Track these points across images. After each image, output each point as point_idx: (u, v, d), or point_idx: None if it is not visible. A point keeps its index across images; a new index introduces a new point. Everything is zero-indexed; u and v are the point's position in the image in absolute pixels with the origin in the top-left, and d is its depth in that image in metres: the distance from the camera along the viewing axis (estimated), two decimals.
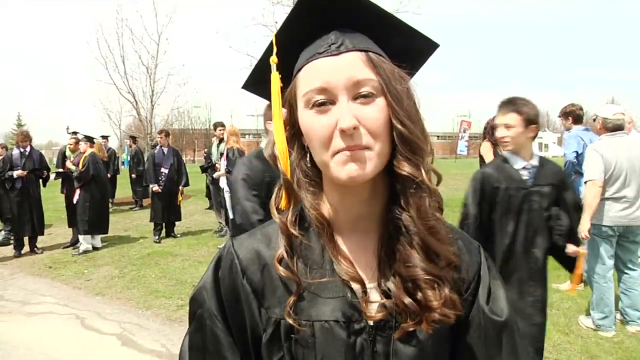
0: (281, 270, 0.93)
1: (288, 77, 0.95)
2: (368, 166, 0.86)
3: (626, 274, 5.00)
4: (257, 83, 1.03)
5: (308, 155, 0.96)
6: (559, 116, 6.75)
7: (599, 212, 4.86)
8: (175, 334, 5.27)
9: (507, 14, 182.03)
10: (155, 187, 10.02)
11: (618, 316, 5.07)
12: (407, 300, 0.89)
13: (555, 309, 5.56)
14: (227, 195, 8.60)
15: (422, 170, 0.89)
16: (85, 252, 9.04)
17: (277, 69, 0.95)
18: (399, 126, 0.86)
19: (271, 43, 0.95)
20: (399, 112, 0.86)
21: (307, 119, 0.89)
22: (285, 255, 0.94)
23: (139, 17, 20.16)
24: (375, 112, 0.86)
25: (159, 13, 20.27)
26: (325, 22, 0.90)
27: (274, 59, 0.94)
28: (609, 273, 4.93)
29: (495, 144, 7.13)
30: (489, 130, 7.26)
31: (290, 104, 0.95)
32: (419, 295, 0.89)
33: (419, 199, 0.90)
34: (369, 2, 0.92)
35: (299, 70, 0.92)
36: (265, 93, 1.00)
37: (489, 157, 7.16)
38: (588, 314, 5.18)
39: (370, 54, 0.89)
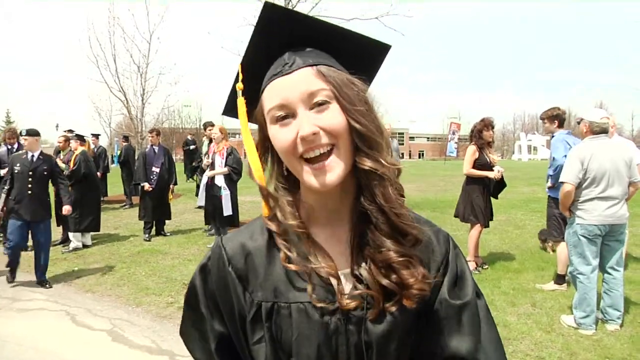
0: (292, 267, 1.03)
1: (255, 100, 1.07)
2: (335, 172, 0.98)
3: (610, 274, 5.14)
4: (234, 109, 1.14)
5: (283, 165, 1.08)
6: (543, 118, 6.80)
7: (586, 212, 5.03)
8: (165, 330, 5.33)
9: (497, 14, 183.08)
10: (147, 186, 10.03)
11: (598, 315, 5.20)
12: (385, 281, 1.00)
13: (538, 308, 5.70)
14: (224, 193, 8.60)
15: (382, 162, 1.00)
16: (76, 249, 9.05)
17: (243, 94, 1.08)
18: (355, 124, 0.97)
19: (237, 72, 1.08)
20: (352, 112, 0.97)
21: (274, 133, 1.01)
22: (287, 252, 1.05)
23: (130, 16, 20.07)
24: (331, 115, 0.97)
25: (150, 12, 20.21)
26: (280, 45, 1.03)
27: (239, 86, 1.08)
28: (594, 273, 5.05)
29: (480, 147, 7.27)
30: (475, 134, 7.40)
31: (260, 122, 1.07)
32: (394, 277, 1.00)
33: (383, 188, 1.00)
34: (313, 19, 1.05)
35: (262, 91, 1.04)
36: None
37: (469, 160, 7.31)
38: (570, 313, 5.31)
39: (320, 67, 1.00)
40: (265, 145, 1.08)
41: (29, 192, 6.95)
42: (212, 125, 10.74)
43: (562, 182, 5.11)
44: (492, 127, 7.38)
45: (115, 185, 16.35)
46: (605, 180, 4.95)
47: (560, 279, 6.43)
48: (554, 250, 8.34)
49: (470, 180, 7.43)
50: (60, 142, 10.17)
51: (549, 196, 6.70)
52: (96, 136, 15.69)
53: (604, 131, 5.07)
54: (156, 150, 10.33)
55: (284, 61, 1.01)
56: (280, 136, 0.99)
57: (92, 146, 13.52)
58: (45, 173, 7.19)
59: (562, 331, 5.06)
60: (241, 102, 1.08)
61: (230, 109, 1.16)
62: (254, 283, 1.07)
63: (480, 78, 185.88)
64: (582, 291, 5.05)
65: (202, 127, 11.76)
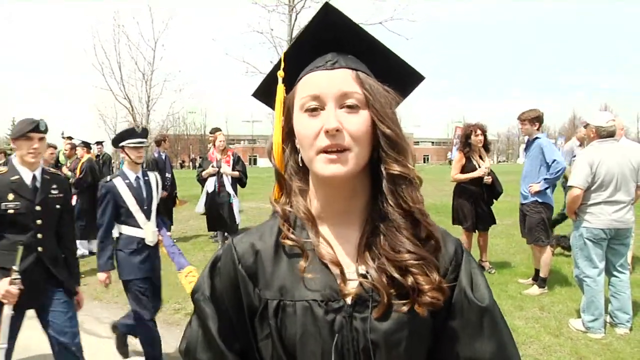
0: (288, 242, 1.08)
1: (290, 89, 1.12)
2: (347, 166, 1.00)
3: (616, 277, 5.12)
4: (265, 93, 1.21)
5: (299, 155, 1.10)
6: (524, 120, 6.46)
7: (592, 216, 5.02)
8: (172, 337, 5.33)
9: (503, 18, 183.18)
10: (163, 193, 9.84)
11: (607, 319, 5.18)
12: (396, 277, 1.01)
13: (546, 312, 5.68)
14: (235, 201, 8.64)
15: (409, 167, 1.03)
16: (82, 256, 9.04)
17: (283, 82, 1.14)
18: (387, 130, 1.02)
19: (280, 59, 1.13)
20: (384, 119, 1.02)
21: (300, 120, 1.06)
22: (286, 233, 1.09)
23: (135, 24, 20.22)
24: (358, 120, 1.02)
25: (155, 19, 20.36)
26: (326, 46, 1.09)
27: (281, 73, 1.14)
28: (600, 276, 5.05)
29: (467, 154, 7.25)
30: (462, 140, 7.39)
31: (288, 108, 1.12)
32: (410, 280, 1.01)
33: (412, 191, 1.04)
34: (365, 31, 1.09)
35: (299, 80, 1.10)
36: (270, 102, 1.18)
37: (455, 166, 7.34)
38: (578, 316, 5.29)
39: (359, 72, 1.05)
40: (286, 132, 1.13)
41: None
42: (219, 131, 10.72)
43: (571, 186, 5.09)
44: (482, 132, 7.30)
45: None
46: (613, 184, 4.94)
47: (542, 282, 6.44)
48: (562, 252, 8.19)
49: (457, 186, 7.55)
50: (66, 150, 10.22)
51: (535, 201, 6.32)
52: (100, 144, 15.72)
53: (611, 135, 5.05)
54: (164, 157, 10.29)
55: (328, 58, 1.07)
56: (306, 125, 1.03)
57: (97, 153, 13.55)
58: None
59: (570, 335, 5.04)
60: (280, 88, 1.14)
61: (262, 93, 1.23)
62: (262, 281, 1.10)
63: (486, 82, 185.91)
64: (590, 294, 5.03)
65: (208, 133, 11.74)
